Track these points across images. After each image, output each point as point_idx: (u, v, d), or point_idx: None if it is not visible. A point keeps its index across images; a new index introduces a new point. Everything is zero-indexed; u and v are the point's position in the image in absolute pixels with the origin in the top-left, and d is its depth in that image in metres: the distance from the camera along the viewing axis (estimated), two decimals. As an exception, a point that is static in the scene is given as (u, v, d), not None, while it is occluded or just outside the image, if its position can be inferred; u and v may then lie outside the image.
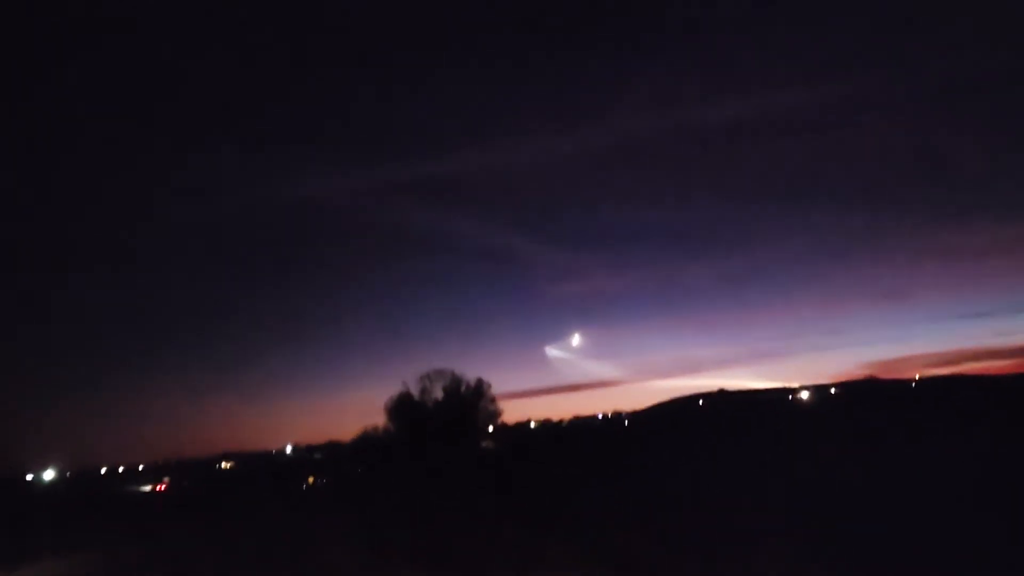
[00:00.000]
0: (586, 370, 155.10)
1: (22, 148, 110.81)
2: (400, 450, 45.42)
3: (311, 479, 53.05)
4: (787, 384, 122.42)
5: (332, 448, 71.23)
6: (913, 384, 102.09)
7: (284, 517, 26.73)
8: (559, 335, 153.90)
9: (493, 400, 49.08)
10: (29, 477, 79.71)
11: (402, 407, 47.99)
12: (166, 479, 69.71)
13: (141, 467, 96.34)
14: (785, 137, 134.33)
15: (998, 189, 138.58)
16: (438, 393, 48.09)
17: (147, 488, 63.63)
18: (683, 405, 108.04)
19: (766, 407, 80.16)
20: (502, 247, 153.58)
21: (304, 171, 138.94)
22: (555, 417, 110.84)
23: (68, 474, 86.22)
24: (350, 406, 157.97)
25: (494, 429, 51.52)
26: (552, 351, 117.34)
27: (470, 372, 49.47)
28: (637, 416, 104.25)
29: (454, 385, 49.15)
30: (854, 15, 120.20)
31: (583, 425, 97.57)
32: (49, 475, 79.37)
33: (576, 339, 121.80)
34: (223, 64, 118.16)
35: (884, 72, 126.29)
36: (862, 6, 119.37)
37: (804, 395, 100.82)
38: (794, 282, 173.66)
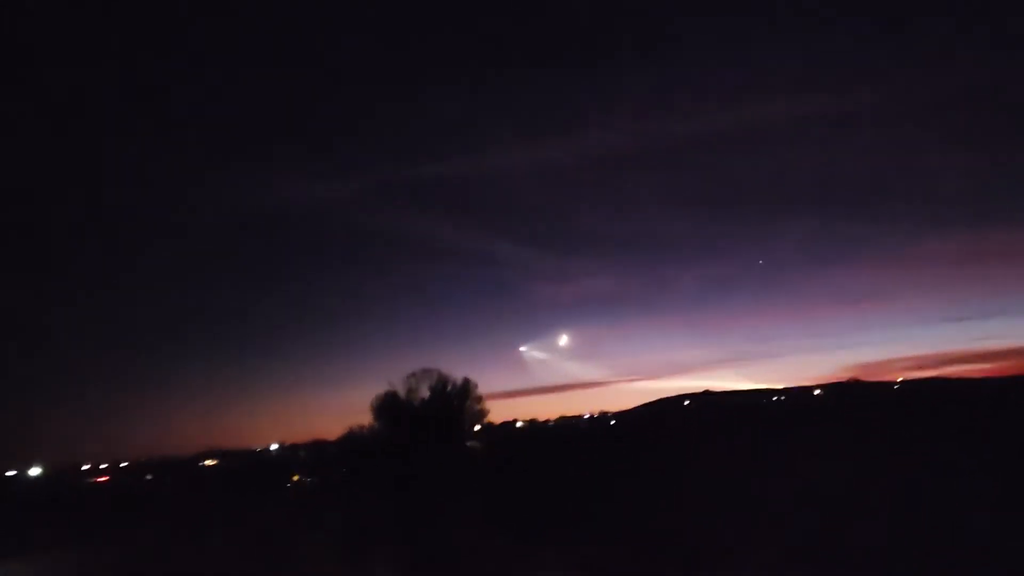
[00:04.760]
0: (572, 371, 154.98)
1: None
2: (386, 450, 44.53)
3: (296, 477, 51.89)
4: (771, 385, 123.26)
5: (318, 447, 70.53)
6: (895, 386, 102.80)
7: (266, 517, 26.23)
8: (545, 337, 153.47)
9: (480, 400, 47.64)
10: (11, 473, 79.94)
11: (388, 406, 46.79)
12: (106, 476, 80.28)
13: (123, 464, 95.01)
14: (769, 146, 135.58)
15: (977, 199, 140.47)
16: (424, 392, 46.75)
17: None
18: (669, 405, 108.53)
19: (750, 408, 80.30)
20: (489, 251, 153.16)
21: (289, 175, 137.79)
22: (541, 417, 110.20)
23: (50, 471, 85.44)
24: (336, 405, 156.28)
25: (480, 429, 50.64)
26: (537, 352, 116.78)
27: (457, 372, 48.01)
28: (623, 416, 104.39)
29: (440, 385, 47.94)
30: (835, 30, 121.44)
31: (569, 425, 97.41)
32: (34, 472, 79.98)
33: (563, 340, 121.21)
34: (215, 68, 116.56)
35: (865, 85, 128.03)
36: (843, 21, 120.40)
37: (786, 397, 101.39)
38: (777, 286, 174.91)
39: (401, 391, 46.13)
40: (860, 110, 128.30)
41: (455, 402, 47.66)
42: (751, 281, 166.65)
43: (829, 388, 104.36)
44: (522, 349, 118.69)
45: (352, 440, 46.84)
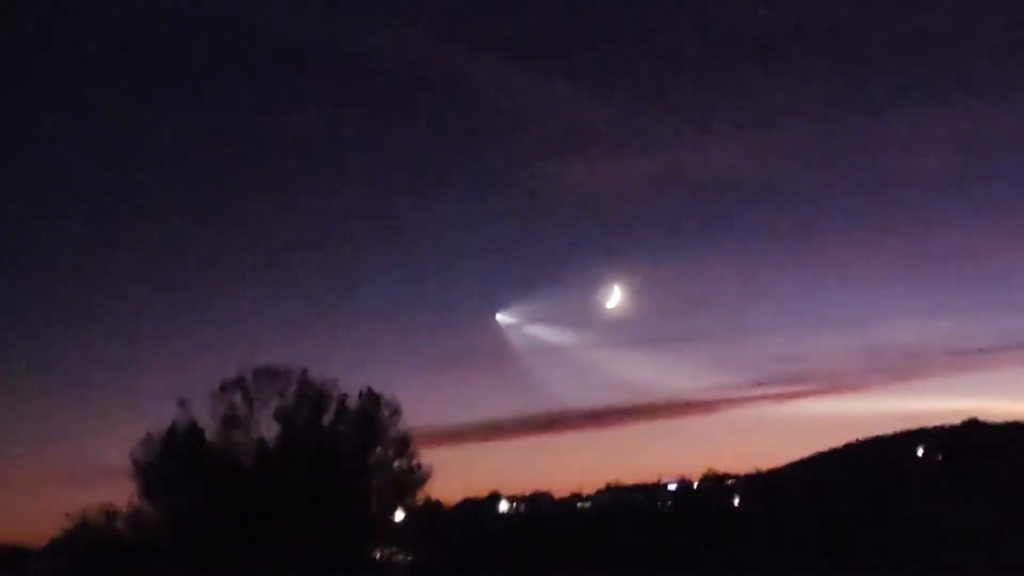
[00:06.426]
0: (631, 375, 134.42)
1: None
2: (164, 565, 39.25)
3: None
4: None
5: (9, 559, 70.90)
6: None
7: None
8: (567, 288, 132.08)
9: (406, 443, 41.94)
10: None
11: (171, 458, 40.73)
12: None
13: None
14: None
15: None
16: (265, 426, 41.10)
17: None
18: (880, 457, 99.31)
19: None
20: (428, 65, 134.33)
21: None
22: (559, 488, 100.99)
23: None
24: (49, 466, 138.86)
25: (411, 513, 44.70)
26: (541, 329, 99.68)
27: (350, 379, 43.35)
28: (764, 483, 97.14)
29: (308, 404, 41.56)
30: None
31: (628, 506, 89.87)
32: None
33: (613, 296, 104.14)
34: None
35: None
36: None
37: None
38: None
39: (205, 421, 41.90)
40: None
41: (345, 447, 42.77)
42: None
43: None
44: (502, 320, 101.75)
45: (84, 544, 44.23)
